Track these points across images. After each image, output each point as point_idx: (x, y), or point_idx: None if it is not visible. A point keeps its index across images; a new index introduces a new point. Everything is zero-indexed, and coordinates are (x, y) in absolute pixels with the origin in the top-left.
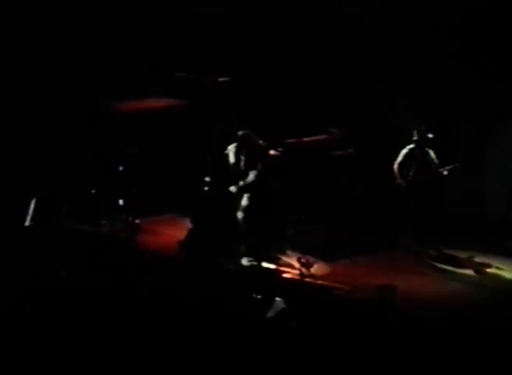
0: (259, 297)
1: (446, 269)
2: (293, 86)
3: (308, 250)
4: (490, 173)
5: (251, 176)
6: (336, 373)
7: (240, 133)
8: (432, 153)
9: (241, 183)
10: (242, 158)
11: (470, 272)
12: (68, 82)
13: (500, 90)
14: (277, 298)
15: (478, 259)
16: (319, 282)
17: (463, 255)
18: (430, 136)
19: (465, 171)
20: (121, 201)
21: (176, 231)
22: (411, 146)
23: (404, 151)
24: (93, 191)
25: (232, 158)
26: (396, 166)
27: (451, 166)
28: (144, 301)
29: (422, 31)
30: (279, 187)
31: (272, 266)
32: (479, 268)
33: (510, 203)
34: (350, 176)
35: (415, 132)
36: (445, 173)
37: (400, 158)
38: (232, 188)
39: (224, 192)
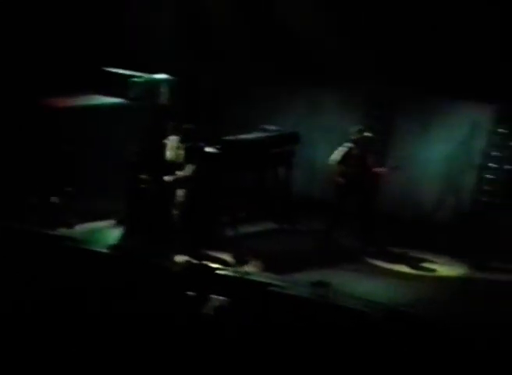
0: (193, 294)
1: (380, 265)
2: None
3: (244, 246)
4: (422, 170)
5: (189, 169)
6: (272, 370)
7: (183, 126)
8: (370, 152)
9: (177, 174)
10: (181, 152)
11: (404, 267)
12: (2, 79)
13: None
14: (212, 296)
15: (411, 255)
16: (254, 278)
17: (397, 250)
18: (369, 135)
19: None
20: (55, 199)
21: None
22: (349, 144)
23: (343, 149)
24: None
25: (171, 152)
26: (333, 163)
27: (391, 166)
28: (78, 299)
29: None
30: (217, 184)
31: (207, 263)
32: (413, 263)
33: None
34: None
35: (354, 131)
36: (384, 172)
37: (337, 156)
38: (168, 178)
39: (160, 186)
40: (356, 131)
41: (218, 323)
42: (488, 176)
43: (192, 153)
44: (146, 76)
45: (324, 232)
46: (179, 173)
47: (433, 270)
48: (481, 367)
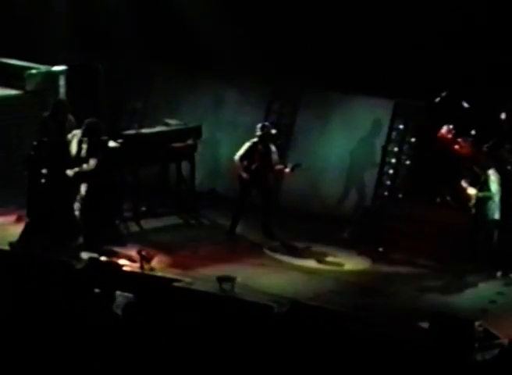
0: (99, 291)
1: (284, 260)
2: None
3: (148, 242)
4: (324, 165)
5: (92, 163)
6: (179, 366)
7: (87, 120)
8: (274, 148)
9: (79, 168)
10: (84, 146)
11: (308, 261)
12: None
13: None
14: (119, 293)
15: (315, 249)
16: (159, 274)
17: (301, 245)
18: (273, 131)
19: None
20: None
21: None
22: (254, 140)
23: (247, 144)
24: None
25: (74, 146)
26: (237, 158)
27: (294, 164)
28: None
29: None
30: (119, 179)
31: (112, 260)
32: (317, 257)
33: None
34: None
35: (258, 127)
36: (287, 170)
37: (241, 151)
38: (69, 172)
39: (61, 180)
40: (260, 127)
41: (123, 321)
42: (388, 171)
43: (94, 147)
44: (44, 67)
45: (228, 227)
46: (82, 168)
47: (336, 264)
48: (378, 357)
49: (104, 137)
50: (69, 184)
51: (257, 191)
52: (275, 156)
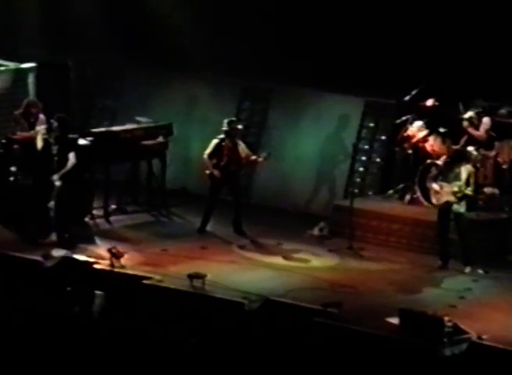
0: (71, 289)
1: (255, 257)
2: None
3: (118, 239)
4: (295, 162)
5: (72, 159)
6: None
7: (56, 115)
8: (241, 143)
9: (64, 169)
10: (52, 141)
11: (278, 258)
12: None
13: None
14: (89, 290)
15: (285, 246)
16: (130, 272)
17: (272, 242)
18: (240, 127)
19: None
20: None
21: None
22: (221, 136)
23: (215, 141)
24: None
25: (39, 143)
26: (206, 156)
27: (264, 155)
28: None
29: None
30: (89, 176)
31: (83, 257)
32: (287, 254)
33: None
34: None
35: (225, 123)
36: (260, 159)
37: (209, 149)
38: (55, 177)
39: (37, 180)
40: (227, 123)
41: (94, 317)
42: (359, 168)
43: (64, 145)
44: (13, 64)
45: (199, 224)
46: (66, 167)
47: (306, 261)
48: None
49: (75, 135)
50: (44, 183)
51: (227, 188)
52: (244, 150)
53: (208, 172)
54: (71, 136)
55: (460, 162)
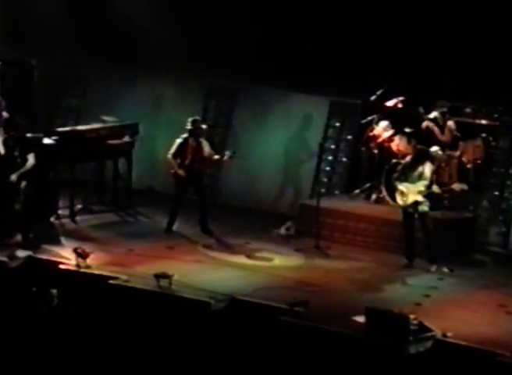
0: (35, 289)
1: (221, 257)
2: None
3: (84, 239)
4: (262, 162)
5: (31, 160)
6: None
7: (14, 118)
8: (206, 142)
9: (22, 169)
10: (10, 143)
11: (245, 258)
12: None
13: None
14: (53, 290)
15: (252, 246)
16: (96, 272)
17: (238, 241)
18: (204, 126)
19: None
20: None
21: None
22: (185, 135)
23: (178, 140)
24: None
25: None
26: (170, 156)
27: (229, 154)
28: None
29: None
30: (54, 176)
31: (48, 257)
32: (254, 253)
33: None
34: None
35: (189, 122)
36: (225, 158)
37: (174, 149)
38: (13, 177)
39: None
40: (191, 122)
41: (59, 318)
42: (325, 168)
43: (25, 143)
44: None
45: (165, 224)
46: (25, 167)
47: (273, 260)
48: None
49: (39, 134)
50: (12, 185)
51: (193, 188)
52: (207, 149)
53: (172, 171)
54: (35, 135)
55: (423, 160)
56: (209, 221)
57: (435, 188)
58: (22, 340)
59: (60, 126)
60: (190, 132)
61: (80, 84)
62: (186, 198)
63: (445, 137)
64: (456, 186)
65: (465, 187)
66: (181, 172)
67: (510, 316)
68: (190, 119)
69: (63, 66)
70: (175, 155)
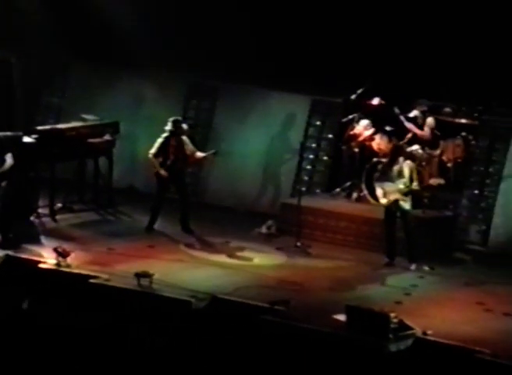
0: (13, 289)
1: (202, 255)
2: None
3: (64, 238)
4: (243, 160)
5: (9, 160)
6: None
7: None
8: (187, 141)
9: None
10: None
11: (225, 257)
12: None
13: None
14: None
15: (233, 244)
16: (76, 271)
17: (219, 240)
18: (185, 126)
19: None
20: None
21: None
22: (166, 135)
23: (160, 140)
24: None
25: None
26: (151, 156)
27: (210, 152)
28: None
29: None
30: (34, 174)
31: (28, 256)
32: (235, 252)
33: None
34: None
35: (170, 122)
36: (206, 156)
37: (155, 148)
38: None
39: None
40: (172, 122)
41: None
42: (306, 166)
43: (7, 143)
44: None
45: (146, 222)
46: (4, 167)
47: (253, 259)
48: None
49: (19, 133)
50: None
51: (174, 187)
52: (189, 147)
53: (154, 171)
54: (14, 134)
55: (400, 158)
56: (190, 220)
57: (414, 186)
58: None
59: (40, 125)
60: (172, 132)
61: (59, 83)
62: (168, 197)
63: (423, 132)
64: (434, 181)
65: (442, 181)
66: (163, 172)
67: (489, 314)
68: (170, 120)
69: (43, 64)
70: (156, 155)
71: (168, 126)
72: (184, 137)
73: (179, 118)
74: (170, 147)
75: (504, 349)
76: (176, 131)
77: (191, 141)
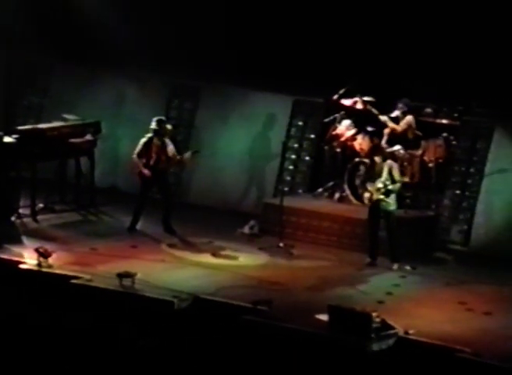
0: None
1: (184, 256)
2: None
3: (46, 239)
4: (225, 161)
5: None
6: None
7: None
8: (170, 143)
9: None
10: None
11: (208, 257)
12: None
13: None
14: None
15: (216, 245)
16: (57, 271)
17: (202, 240)
18: (169, 127)
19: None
20: None
21: None
22: (149, 135)
23: (143, 140)
24: None
25: None
26: (135, 156)
27: (189, 154)
28: None
29: None
30: (15, 174)
31: (9, 257)
32: (217, 252)
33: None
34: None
35: (154, 122)
36: (186, 156)
37: (138, 148)
38: None
39: None
40: (156, 122)
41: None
42: (288, 166)
43: None
44: None
45: (129, 223)
46: None
47: (236, 259)
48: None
49: (0, 132)
50: None
51: (157, 187)
52: (171, 148)
53: (138, 171)
54: None
55: (379, 157)
56: (172, 220)
57: (391, 185)
58: None
59: (21, 125)
60: (155, 132)
61: (41, 82)
62: (150, 197)
63: (397, 126)
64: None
65: (406, 179)
66: (147, 172)
67: (470, 313)
68: (154, 119)
69: (24, 64)
70: (139, 155)
71: (153, 126)
72: (167, 139)
73: (163, 118)
74: (153, 147)
75: (485, 348)
76: (160, 131)
77: (173, 142)
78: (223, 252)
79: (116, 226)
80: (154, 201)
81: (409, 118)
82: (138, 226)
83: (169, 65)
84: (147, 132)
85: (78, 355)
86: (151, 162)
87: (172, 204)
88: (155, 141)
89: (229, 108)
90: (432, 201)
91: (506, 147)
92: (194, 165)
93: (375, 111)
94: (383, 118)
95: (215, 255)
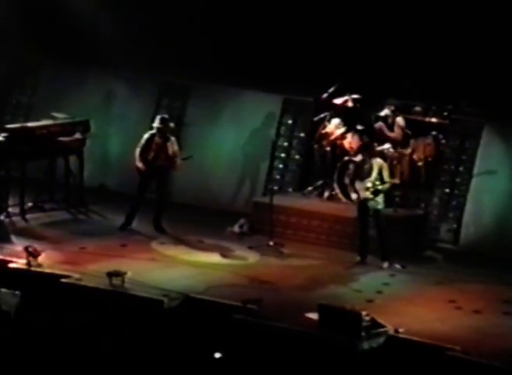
0: None
1: (175, 254)
2: None
3: (35, 238)
4: (216, 160)
5: None
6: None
7: None
8: (175, 142)
9: None
10: None
11: (198, 256)
12: None
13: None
14: (3, 290)
15: (206, 243)
16: (47, 271)
17: (193, 239)
18: (172, 125)
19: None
20: None
21: None
22: (153, 132)
23: (146, 136)
24: None
25: None
26: (138, 150)
27: (184, 157)
28: None
29: None
30: (4, 173)
31: None
32: (208, 251)
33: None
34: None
35: (158, 119)
36: (178, 161)
37: (141, 143)
38: None
39: None
40: (159, 119)
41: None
42: (278, 165)
43: None
44: None
45: (121, 221)
46: None
47: (226, 258)
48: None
49: None
50: None
51: (155, 184)
52: (176, 148)
53: (136, 166)
54: None
55: (369, 155)
56: (163, 219)
57: (380, 185)
58: None
59: (9, 123)
60: (158, 129)
61: (30, 81)
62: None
63: (394, 134)
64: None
65: (396, 181)
66: (141, 165)
67: (459, 312)
68: (158, 117)
69: (13, 63)
70: (142, 150)
71: (156, 123)
72: (173, 138)
73: (167, 116)
74: (153, 144)
75: (475, 346)
76: (162, 129)
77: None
78: (213, 251)
79: (106, 225)
80: (146, 201)
81: (400, 120)
82: (133, 224)
83: (159, 63)
84: (138, 130)
85: (68, 354)
86: (149, 158)
87: (164, 203)
88: (157, 138)
89: (218, 107)
90: (422, 200)
91: (495, 145)
92: (185, 172)
93: (382, 126)
94: (380, 127)
95: (205, 253)
